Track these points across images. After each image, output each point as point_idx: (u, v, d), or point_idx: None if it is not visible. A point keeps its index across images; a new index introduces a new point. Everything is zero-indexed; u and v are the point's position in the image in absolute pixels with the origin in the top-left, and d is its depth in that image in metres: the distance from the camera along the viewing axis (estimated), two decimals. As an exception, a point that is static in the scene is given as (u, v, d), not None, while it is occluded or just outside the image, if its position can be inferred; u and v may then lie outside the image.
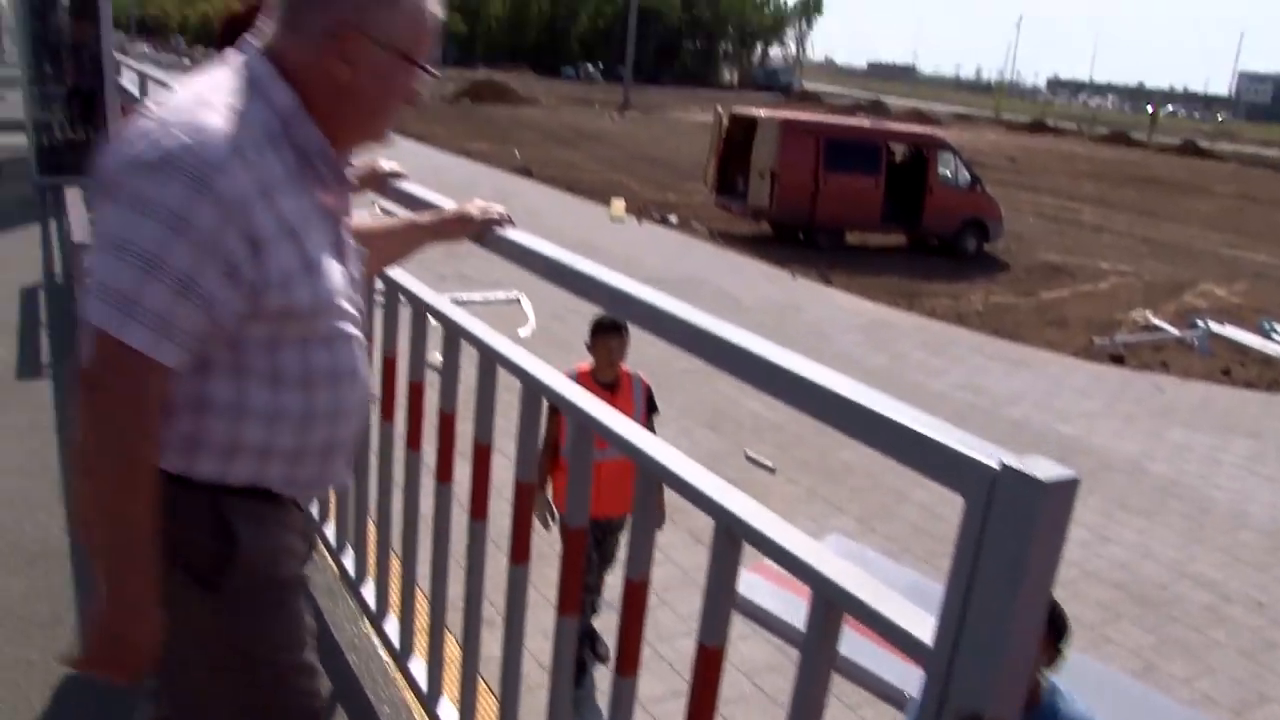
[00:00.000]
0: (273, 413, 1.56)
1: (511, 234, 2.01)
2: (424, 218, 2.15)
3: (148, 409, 1.43)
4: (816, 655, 1.30)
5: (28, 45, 10.81)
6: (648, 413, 4.55)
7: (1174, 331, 13.24)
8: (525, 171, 24.05)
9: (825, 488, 7.18)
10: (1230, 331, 13.29)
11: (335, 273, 1.61)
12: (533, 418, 1.96)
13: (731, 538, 1.41)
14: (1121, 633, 5.70)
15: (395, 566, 2.84)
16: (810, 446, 7.70)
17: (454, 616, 2.45)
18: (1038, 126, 66.59)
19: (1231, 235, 24.56)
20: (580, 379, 4.11)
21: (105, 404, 1.40)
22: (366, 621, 3.07)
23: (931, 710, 1.08)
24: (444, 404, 2.33)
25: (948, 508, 6.83)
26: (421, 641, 2.65)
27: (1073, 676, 2.90)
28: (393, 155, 2.23)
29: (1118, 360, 12.00)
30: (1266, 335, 13.31)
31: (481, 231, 2.06)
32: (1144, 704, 4.99)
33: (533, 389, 1.92)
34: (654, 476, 1.57)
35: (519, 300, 10.72)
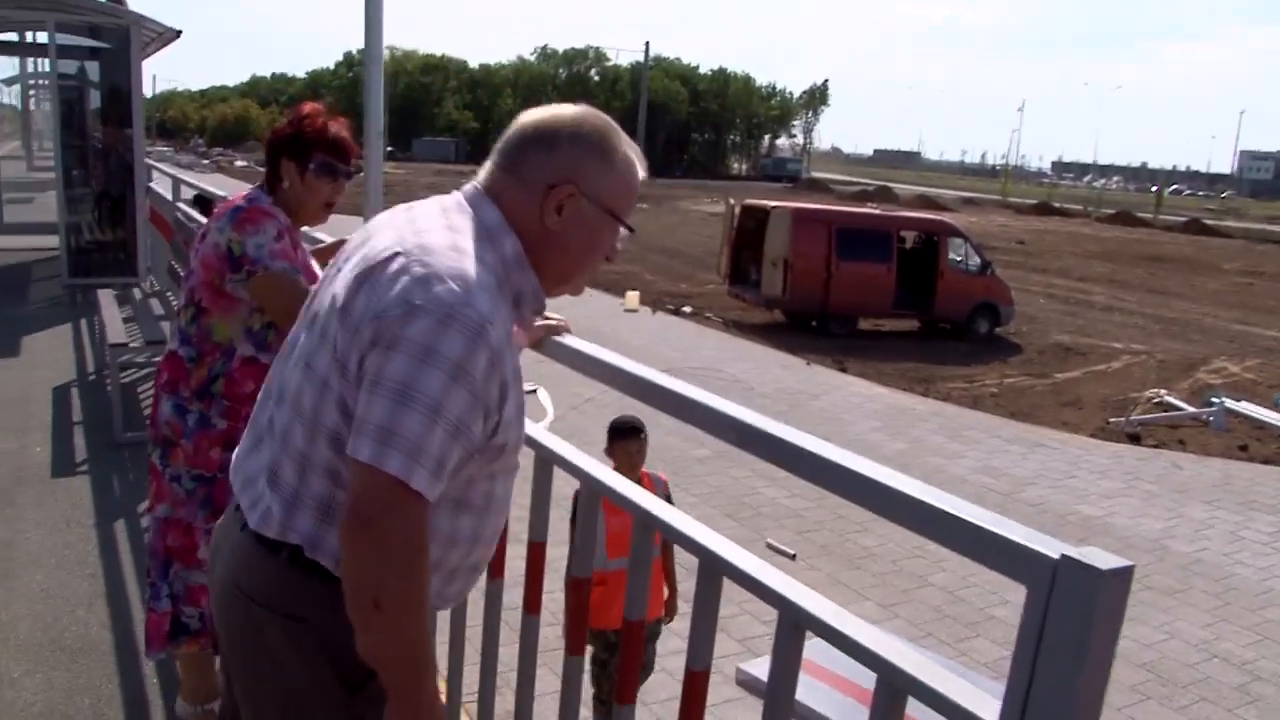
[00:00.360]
0: (450, 536, 1.62)
1: (570, 341, 2.11)
2: None
3: (425, 540, 1.45)
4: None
5: (59, 151, 11.14)
6: None
7: (1189, 409, 13.24)
8: (539, 263, 24.26)
9: (846, 574, 7.19)
10: (1246, 408, 13.26)
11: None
12: (591, 517, 2.04)
13: (796, 629, 1.48)
14: (1150, 714, 5.66)
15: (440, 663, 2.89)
16: (830, 532, 7.73)
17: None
18: (1044, 208, 66.94)
19: (1241, 311, 24.61)
20: None
21: (386, 540, 1.41)
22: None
23: (999, 790, 1.15)
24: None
25: (969, 590, 6.83)
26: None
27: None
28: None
29: (1134, 439, 12.00)
30: (1283, 411, 13.31)
31: (541, 340, 2.15)
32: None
33: (593, 489, 2.00)
34: (717, 571, 1.64)
35: (536, 392, 10.82)
